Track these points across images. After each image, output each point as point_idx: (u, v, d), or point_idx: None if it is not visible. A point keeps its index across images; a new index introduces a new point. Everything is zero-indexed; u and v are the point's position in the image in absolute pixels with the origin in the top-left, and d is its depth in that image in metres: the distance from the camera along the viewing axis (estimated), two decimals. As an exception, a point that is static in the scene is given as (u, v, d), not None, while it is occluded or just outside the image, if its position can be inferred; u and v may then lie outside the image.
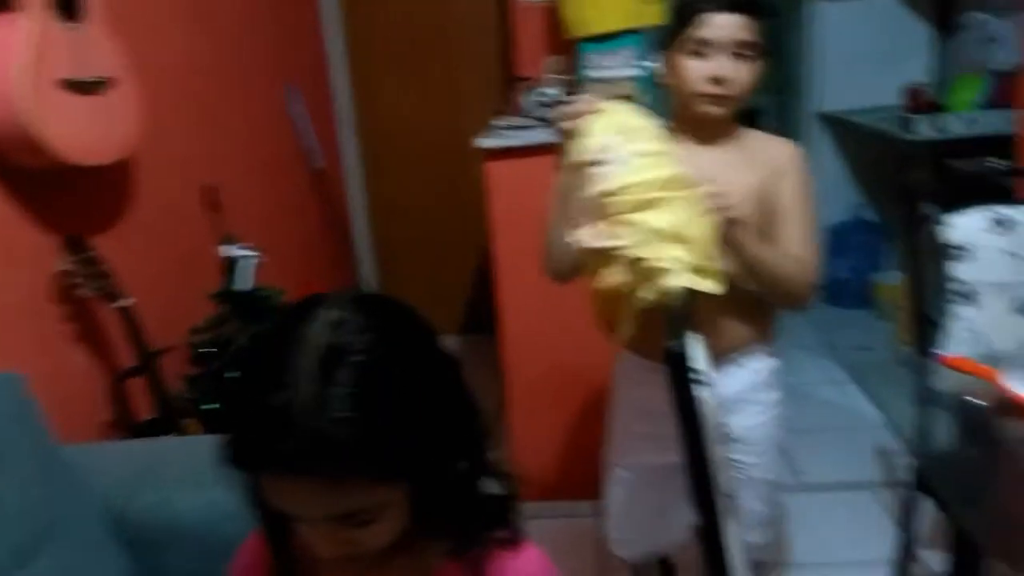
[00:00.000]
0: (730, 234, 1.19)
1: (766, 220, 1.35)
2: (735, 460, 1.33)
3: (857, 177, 3.70)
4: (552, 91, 2.24)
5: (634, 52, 2.31)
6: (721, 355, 1.33)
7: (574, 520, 2.32)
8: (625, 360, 1.50)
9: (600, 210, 1.09)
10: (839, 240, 3.68)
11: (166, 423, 1.70)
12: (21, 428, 1.24)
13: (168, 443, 1.60)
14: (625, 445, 1.55)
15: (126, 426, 1.73)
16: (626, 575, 1.97)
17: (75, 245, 1.60)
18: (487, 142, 2.09)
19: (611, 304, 1.17)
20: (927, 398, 1.54)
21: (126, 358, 1.72)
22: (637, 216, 1.06)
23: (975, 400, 1.39)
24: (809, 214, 1.37)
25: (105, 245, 1.70)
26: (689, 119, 1.37)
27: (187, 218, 2.16)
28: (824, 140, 3.68)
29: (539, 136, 2.07)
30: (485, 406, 0.79)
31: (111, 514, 1.32)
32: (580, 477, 2.33)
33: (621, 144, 1.10)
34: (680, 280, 1.04)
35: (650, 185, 1.06)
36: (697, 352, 0.97)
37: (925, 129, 2.87)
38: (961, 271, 1.65)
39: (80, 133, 1.55)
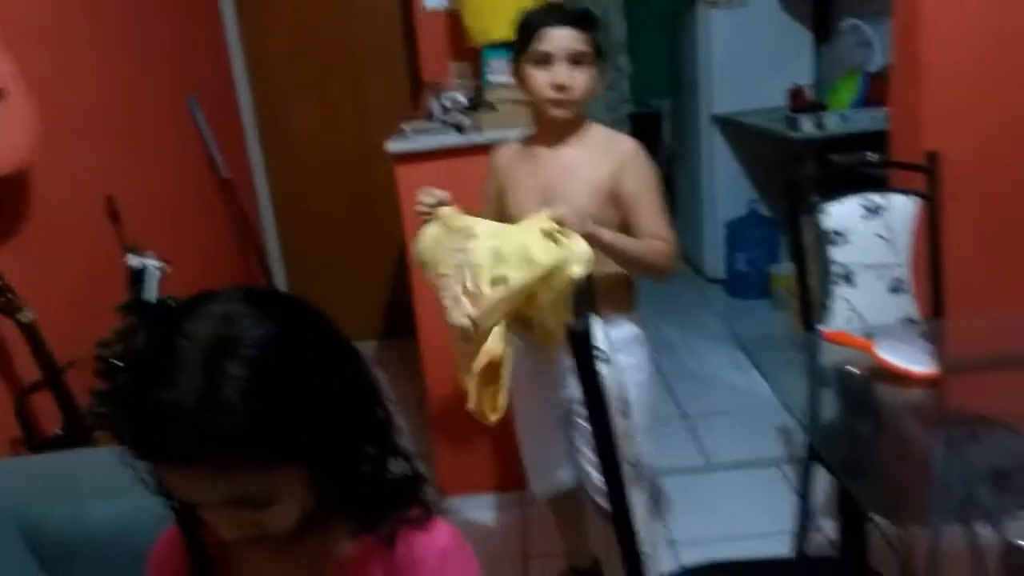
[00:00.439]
0: (587, 238, 1.36)
1: (620, 205, 1.56)
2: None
3: (750, 174, 3.88)
4: (459, 95, 2.30)
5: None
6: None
7: (498, 512, 2.38)
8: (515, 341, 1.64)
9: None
10: (736, 235, 3.84)
11: (75, 437, 1.67)
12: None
13: (78, 455, 1.57)
14: (519, 406, 1.77)
15: (34, 442, 1.68)
16: (550, 569, 2.07)
17: (-29, 259, 1.55)
18: (396, 146, 2.11)
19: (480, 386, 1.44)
20: (815, 373, 1.67)
21: (31, 373, 1.67)
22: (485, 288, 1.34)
23: (854, 369, 1.51)
24: (657, 198, 1.57)
25: (2, 259, 1.65)
26: (544, 123, 1.60)
27: (90, 230, 2.11)
28: (719, 140, 3.84)
29: (447, 139, 2.11)
30: (406, 407, 0.82)
31: (24, 529, 1.29)
32: (502, 471, 2.39)
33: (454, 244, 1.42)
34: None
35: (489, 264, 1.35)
36: (598, 331, 1.04)
37: (808, 127, 3.08)
38: (839, 255, 1.80)
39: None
